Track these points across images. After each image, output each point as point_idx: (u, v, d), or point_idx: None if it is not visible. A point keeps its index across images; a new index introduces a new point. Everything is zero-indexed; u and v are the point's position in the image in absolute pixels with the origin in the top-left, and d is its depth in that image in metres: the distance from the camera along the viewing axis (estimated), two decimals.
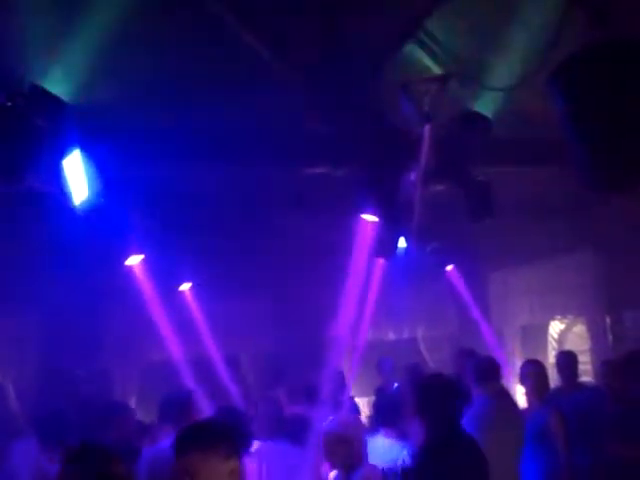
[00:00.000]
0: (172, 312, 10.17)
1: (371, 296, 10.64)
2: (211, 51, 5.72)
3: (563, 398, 6.90)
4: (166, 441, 5.41)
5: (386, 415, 6.32)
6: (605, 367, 7.24)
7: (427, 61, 6.26)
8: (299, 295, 11.84)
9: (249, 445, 6.05)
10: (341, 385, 8.79)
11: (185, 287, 10.67)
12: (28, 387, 10.61)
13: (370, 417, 7.72)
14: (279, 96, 6.43)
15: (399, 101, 6.25)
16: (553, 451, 6.19)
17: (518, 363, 11.68)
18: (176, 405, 6.37)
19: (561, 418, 6.24)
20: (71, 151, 5.74)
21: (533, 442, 6.22)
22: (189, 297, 10.74)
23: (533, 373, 6.80)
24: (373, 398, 9.08)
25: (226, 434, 3.14)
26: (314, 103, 6.43)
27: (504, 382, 6.90)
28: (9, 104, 4.94)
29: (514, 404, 6.60)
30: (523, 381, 6.87)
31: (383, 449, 5.92)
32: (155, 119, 6.16)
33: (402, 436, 6.06)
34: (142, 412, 9.71)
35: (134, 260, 8.08)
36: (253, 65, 5.88)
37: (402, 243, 9.34)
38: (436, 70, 6.28)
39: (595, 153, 4.35)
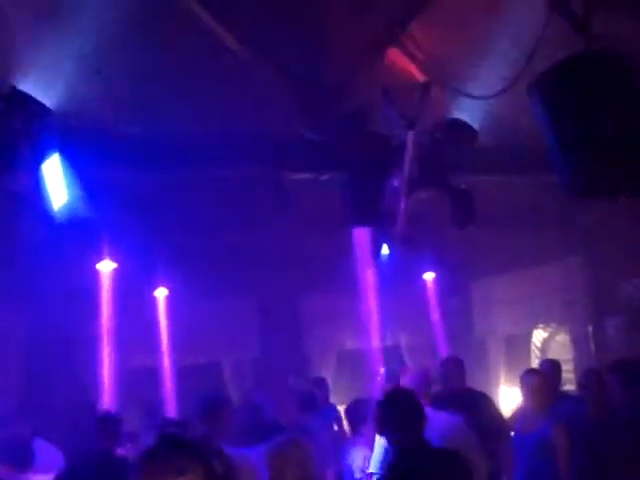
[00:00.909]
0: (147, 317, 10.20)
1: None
2: (192, 55, 5.70)
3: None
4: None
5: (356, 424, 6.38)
6: (589, 377, 7.17)
7: (410, 67, 6.26)
8: (284, 299, 11.83)
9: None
10: (324, 392, 8.76)
11: (162, 292, 10.62)
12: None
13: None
14: (263, 101, 6.43)
15: (382, 107, 6.25)
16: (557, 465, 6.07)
17: (501, 372, 11.80)
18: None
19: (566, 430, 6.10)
20: (50, 155, 5.70)
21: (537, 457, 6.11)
22: (167, 302, 10.70)
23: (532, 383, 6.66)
24: None
25: (181, 448, 3.06)
26: (297, 107, 6.44)
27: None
28: None
29: None
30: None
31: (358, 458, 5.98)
32: (134, 122, 6.13)
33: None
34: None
35: (106, 266, 8.08)
36: (236, 68, 5.87)
37: (385, 250, 9.37)
38: (419, 76, 6.29)
39: (574, 162, 4.38)
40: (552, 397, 6.43)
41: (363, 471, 6.01)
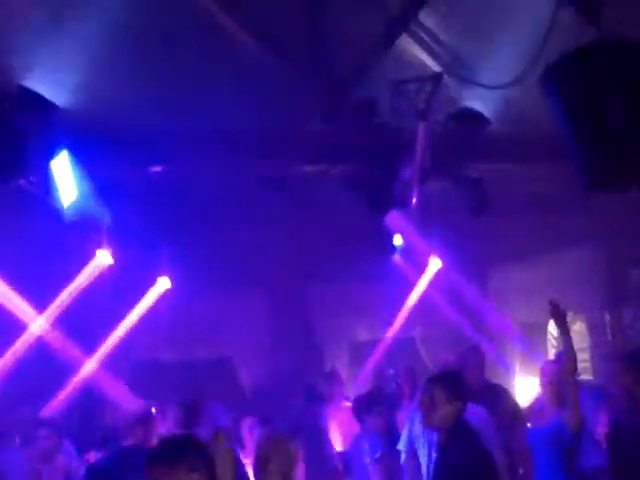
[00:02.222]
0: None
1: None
2: (203, 50, 5.66)
3: None
4: None
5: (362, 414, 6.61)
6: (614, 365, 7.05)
7: (423, 56, 6.19)
8: (294, 291, 11.80)
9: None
10: (336, 384, 8.71)
11: (170, 286, 10.60)
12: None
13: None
14: (274, 93, 6.39)
15: (393, 98, 6.19)
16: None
17: (518, 361, 11.72)
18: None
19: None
20: (59, 152, 5.68)
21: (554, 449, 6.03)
22: (177, 296, 10.68)
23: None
24: None
25: (190, 447, 3.19)
26: (308, 99, 6.40)
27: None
28: None
29: None
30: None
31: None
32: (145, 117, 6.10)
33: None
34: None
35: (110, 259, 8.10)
36: (246, 61, 5.83)
37: (398, 240, 9.33)
38: (432, 65, 6.22)
39: (588, 153, 4.31)
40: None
41: (372, 457, 6.23)
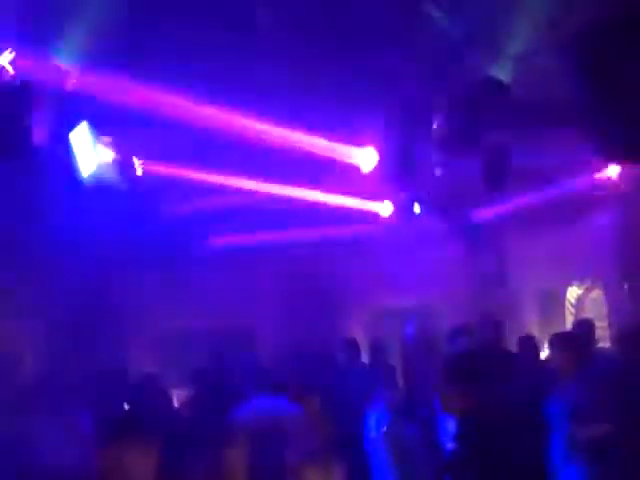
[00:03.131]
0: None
1: None
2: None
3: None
4: None
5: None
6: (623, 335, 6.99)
7: (444, 23, 6.11)
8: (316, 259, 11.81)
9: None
10: (354, 352, 8.73)
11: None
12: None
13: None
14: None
15: (414, 70, 6.14)
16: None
17: (536, 329, 11.71)
18: None
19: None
20: (78, 124, 5.68)
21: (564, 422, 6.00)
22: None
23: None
24: None
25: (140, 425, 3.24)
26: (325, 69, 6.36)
27: None
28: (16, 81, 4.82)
29: None
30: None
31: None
32: None
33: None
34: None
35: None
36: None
37: (417, 209, 9.31)
38: (453, 34, 6.14)
39: (608, 125, 4.27)
40: (582, 360, 6.21)
41: (378, 431, 6.11)
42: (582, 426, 5.73)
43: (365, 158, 7.93)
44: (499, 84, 6.52)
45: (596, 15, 4.25)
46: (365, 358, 8.94)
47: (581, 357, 6.03)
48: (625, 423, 5.86)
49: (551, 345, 6.35)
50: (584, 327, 7.99)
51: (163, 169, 7.90)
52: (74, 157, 5.88)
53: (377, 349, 9.06)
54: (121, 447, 3.06)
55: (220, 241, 10.80)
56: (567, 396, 5.95)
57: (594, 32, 4.29)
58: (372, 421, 6.25)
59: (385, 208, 10.06)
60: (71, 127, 5.70)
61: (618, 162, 4.58)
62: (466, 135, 6.88)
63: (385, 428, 6.05)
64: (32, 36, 5.07)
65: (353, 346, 8.65)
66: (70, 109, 5.53)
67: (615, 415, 5.83)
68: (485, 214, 10.79)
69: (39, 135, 5.15)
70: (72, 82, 5.34)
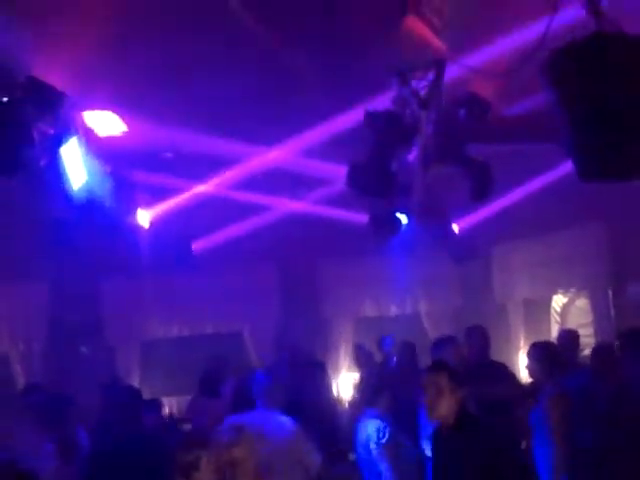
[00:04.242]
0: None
1: None
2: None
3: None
4: None
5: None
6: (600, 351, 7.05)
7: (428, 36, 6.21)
8: (303, 265, 11.91)
9: None
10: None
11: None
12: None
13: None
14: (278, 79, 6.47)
15: (396, 85, 6.24)
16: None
17: (521, 337, 11.81)
18: None
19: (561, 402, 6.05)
20: (68, 138, 5.79)
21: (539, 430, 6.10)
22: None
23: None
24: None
25: None
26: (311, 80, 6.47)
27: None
28: (5, 99, 4.93)
29: None
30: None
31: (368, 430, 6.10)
32: None
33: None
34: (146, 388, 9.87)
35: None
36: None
37: (403, 219, 9.40)
38: (437, 45, 6.24)
39: (586, 144, 4.37)
40: (556, 371, 6.29)
41: (377, 442, 6.00)
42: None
43: None
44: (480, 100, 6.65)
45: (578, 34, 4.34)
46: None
47: (554, 368, 6.16)
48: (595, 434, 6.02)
49: (528, 355, 6.48)
50: (567, 337, 8.14)
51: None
52: (64, 170, 6.00)
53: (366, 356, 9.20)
54: None
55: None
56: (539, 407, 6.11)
57: (573, 52, 4.38)
58: (366, 432, 6.16)
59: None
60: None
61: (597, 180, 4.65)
62: (448, 149, 7.01)
63: (385, 439, 5.98)
64: None
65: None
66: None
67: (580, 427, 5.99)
68: (469, 223, 10.87)
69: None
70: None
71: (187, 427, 7.81)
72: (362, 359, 10.01)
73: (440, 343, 7.23)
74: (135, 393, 6.81)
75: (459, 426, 4.89)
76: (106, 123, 6.87)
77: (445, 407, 4.88)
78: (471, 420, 4.96)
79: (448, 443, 4.99)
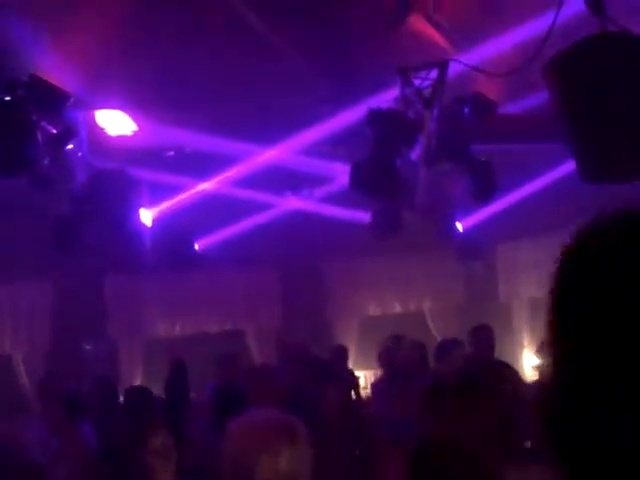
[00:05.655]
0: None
1: None
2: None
3: None
4: None
5: None
6: None
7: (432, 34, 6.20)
8: (305, 265, 11.90)
9: None
10: (342, 359, 8.80)
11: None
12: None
13: None
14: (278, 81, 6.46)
15: (400, 83, 6.23)
16: None
17: (526, 336, 11.76)
18: None
19: None
20: (72, 138, 5.79)
21: None
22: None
23: None
24: (377, 371, 9.17)
25: None
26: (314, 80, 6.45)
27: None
28: (7, 98, 4.92)
29: None
30: None
31: None
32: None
33: None
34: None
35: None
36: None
37: (408, 217, 9.37)
38: (442, 44, 6.24)
39: (588, 146, 4.36)
40: None
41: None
42: None
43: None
44: (485, 100, 6.64)
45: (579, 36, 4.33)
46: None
47: None
48: None
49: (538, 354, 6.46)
50: None
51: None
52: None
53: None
54: None
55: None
56: None
57: (575, 54, 4.36)
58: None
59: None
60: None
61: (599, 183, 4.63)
62: (451, 149, 7.00)
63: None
64: None
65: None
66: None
67: None
68: (473, 221, 10.84)
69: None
70: None
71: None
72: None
73: (445, 346, 7.22)
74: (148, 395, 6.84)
75: None
76: (117, 123, 6.86)
77: None
78: None
79: None
